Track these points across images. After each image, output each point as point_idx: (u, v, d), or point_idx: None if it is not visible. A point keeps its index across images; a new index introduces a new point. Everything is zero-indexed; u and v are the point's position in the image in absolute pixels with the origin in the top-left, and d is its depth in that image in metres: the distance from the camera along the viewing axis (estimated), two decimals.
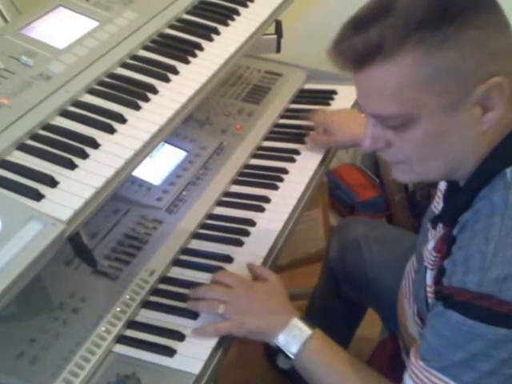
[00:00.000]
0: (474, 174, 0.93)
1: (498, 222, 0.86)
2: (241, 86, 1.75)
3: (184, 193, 1.39)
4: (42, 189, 0.95)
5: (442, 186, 1.13)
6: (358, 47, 0.86)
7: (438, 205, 1.15)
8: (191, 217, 1.34)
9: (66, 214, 0.92)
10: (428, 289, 1.04)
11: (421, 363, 0.93)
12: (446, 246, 0.96)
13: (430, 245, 1.06)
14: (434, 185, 2.25)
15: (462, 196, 0.95)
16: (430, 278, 1.04)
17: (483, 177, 0.91)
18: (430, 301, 1.03)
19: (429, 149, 0.92)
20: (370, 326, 1.71)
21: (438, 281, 0.96)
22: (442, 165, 0.94)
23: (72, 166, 1.00)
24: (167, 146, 1.47)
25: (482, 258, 0.85)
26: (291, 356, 1.09)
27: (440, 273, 0.94)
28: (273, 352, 1.93)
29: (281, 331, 1.10)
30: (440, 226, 1.03)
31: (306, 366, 1.10)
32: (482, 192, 0.90)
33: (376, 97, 0.89)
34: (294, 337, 1.09)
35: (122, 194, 1.32)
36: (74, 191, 0.96)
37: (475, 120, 0.88)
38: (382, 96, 0.88)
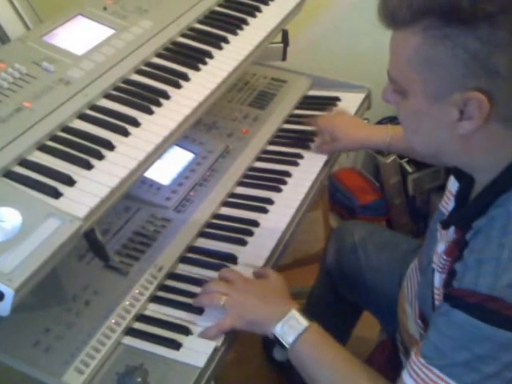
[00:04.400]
0: (493, 181, 0.94)
1: None
2: (247, 92, 1.78)
3: (191, 193, 1.42)
4: (61, 187, 0.99)
5: (453, 186, 1.13)
6: (389, 9, 0.90)
7: (447, 205, 1.15)
8: (198, 216, 1.37)
9: (82, 212, 0.96)
10: (436, 291, 1.05)
11: (422, 360, 0.93)
12: (458, 249, 0.96)
13: (441, 248, 1.06)
14: (435, 190, 2.31)
15: (479, 202, 0.96)
16: (438, 280, 1.04)
17: (501, 185, 0.92)
18: (436, 303, 1.04)
19: (412, 124, 0.98)
20: (369, 328, 1.71)
21: (447, 283, 0.96)
22: (422, 143, 0.99)
23: (89, 166, 1.04)
24: (176, 147, 1.50)
25: (496, 263, 0.86)
26: (287, 346, 1.08)
27: (450, 275, 0.95)
28: (270, 345, 1.98)
29: (278, 321, 1.09)
30: (452, 229, 1.03)
31: (300, 357, 1.09)
32: (499, 199, 0.92)
33: (392, 57, 0.94)
34: (290, 327, 1.09)
35: (132, 193, 1.36)
36: (90, 190, 1.00)
37: (450, 121, 0.90)
38: (394, 58, 0.94)
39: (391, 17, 0.90)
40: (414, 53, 0.88)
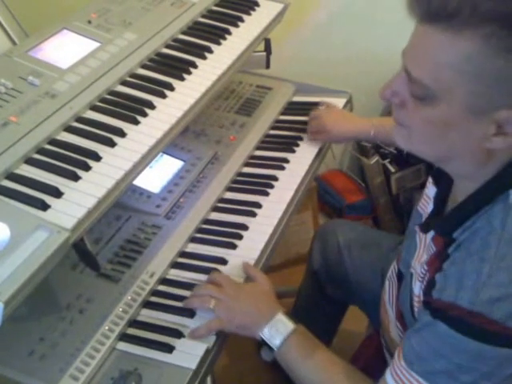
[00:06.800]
0: (478, 191, 0.89)
1: (495, 245, 0.83)
2: (234, 100, 1.76)
3: (181, 200, 1.39)
4: (48, 199, 0.95)
5: (430, 191, 1.08)
6: (433, 3, 0.76)
7: (425, 207, 1.10)
8: (188, 222, 1.34)
9: (70, 223, 0.93)
10: (415, 298, 1.02)
11: (403, 364, 0.91)
12: (439, 262, 0.93)
13: (421, 257, 1.03)
14: (417, 188, 2.32)
15: (461, 211, 0.91)
16: (417, 288, 1.01)
17: (485, 195, 0.87)
18: (415, 309, 1.02)
19: (432, 132, 0.85)
20: (357, 322, 1.70)
21: (426, 292, 0.93)
22: (435, 152, 0.89)
23: (76, 177, 1.00)
24: (165, 156, 1.48)
25: (476, 277, 0.83)
26: (274, 348, 1.08)
27: (430, 285, 0.92)
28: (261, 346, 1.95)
29: (266, 325, 1.09)
30: (431, 234, 1.00)
31: (287, 359, 1.09)
32: (481, 211, 0.87)
33: (420, 56, 0.81)
34: (277, 330, 1.09)
35: (123, 202, 1.33)
36: (77, 201, 0.97)
37: (485, 135, 0.82)
38: (424, 59, 0.80)
39: (435, 12, 0.76)
40: (465, 60, 0.76)
